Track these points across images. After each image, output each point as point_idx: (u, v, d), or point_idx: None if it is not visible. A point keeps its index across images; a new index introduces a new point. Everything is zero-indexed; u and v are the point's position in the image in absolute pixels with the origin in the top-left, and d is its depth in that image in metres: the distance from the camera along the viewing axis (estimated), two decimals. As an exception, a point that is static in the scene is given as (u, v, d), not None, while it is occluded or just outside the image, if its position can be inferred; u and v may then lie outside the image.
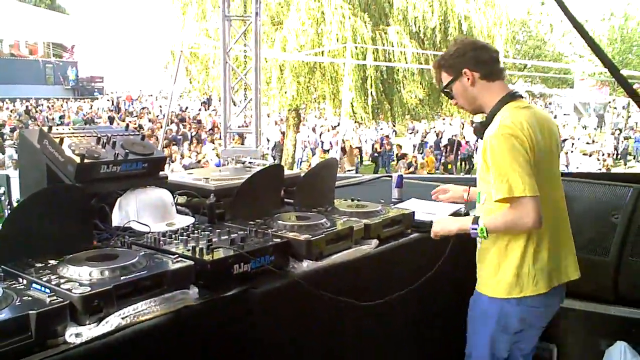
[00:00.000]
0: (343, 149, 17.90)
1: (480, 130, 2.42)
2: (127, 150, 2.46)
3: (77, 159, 2.28)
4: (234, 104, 5.86)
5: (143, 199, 2.44)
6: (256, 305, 2.08)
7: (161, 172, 2.62)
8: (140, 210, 2.42)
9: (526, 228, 2.27)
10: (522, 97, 2.47)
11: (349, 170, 16.78)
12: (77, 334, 1.61)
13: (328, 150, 20.60)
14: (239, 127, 6.19)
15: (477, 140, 2.51)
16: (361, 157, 20.99)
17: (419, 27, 15.71)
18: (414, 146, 24.08)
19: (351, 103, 14.97)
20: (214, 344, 1.94)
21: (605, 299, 3.07)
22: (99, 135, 2.49)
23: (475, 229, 2.33)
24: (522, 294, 2.35)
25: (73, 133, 2.47)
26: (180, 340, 1.84)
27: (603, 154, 20.69)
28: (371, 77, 15.13)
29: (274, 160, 19.68)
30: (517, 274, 2.36)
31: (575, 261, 2.51)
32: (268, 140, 21.88)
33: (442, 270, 2.53)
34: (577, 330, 3.11)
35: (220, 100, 5.90)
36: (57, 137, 2.36)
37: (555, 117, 35.17)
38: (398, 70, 15.71)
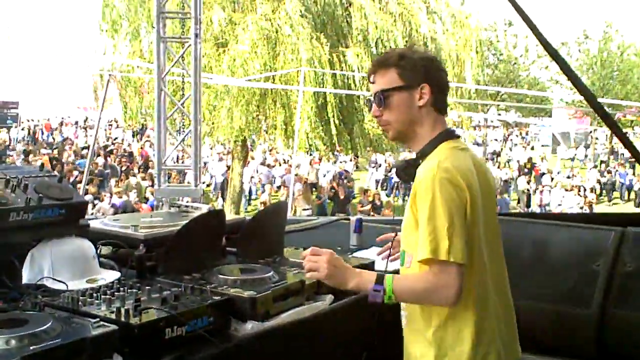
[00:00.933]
0: (304, 185, 17.95)
1: (407, 170, 2.26)
2: (41, 195, 2.42)
3: (-19, 206, 2.23)
4: (170, 136, 5.82)
5: (59, 252, 2.40)
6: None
7: (81, 220, 2.58)
8: (56, 265, 2.38)
9: (444, 302, 2.04)
10: (460, 137, 2.28)
11: (304, 209, 16.77)
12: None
13: (280, 187, 20.63)
14: (175, 162, 6.15)
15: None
16: (319, 195, 21.05)
17: (381, 49, 15.97)
18: (377, 182, 24.31)
19: (307, 133, 15.03)
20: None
21: (588, 356, 3.11)
22: (8, 177, 2.44)
23: (379, 291, 2.03)
24: None
25: (-22, 175, 2.42)
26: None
27: (585, 189, 21.26)
28: (330, 104, 15.27)
29: (219, 199, 19.59)
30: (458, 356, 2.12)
31: (516, 335, 2.31)
32: (212, 176, 21.81)
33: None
34: None
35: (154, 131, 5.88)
36: (-42, 180, 2.31)
37: (532, 148, 36.20)
38: (358, 97, 15.91)
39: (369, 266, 2.91)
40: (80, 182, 14.22)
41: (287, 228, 3.80)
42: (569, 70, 3.85)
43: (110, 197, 14.75)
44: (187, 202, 3.64)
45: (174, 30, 7.91)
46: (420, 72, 2.17)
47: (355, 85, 15.63)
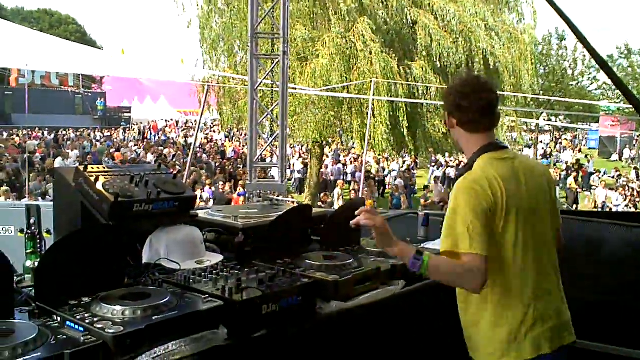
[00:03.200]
0: (367, 180, 17.90)
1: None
2: (159, 189, 2.51)
3: (112, 198, 2.33)
4: (260, 138, 5.92)
5: (173, 237, 2.48)
6: (285, 346, 2.09)
7: (191, 211, 2.67)
8: (170, 248, 2.46)
9: (468, 287, 2.11)
10: (504, 148, 2.29)
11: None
12: (110, 374, 1.64)
13: (350, 182, 20.66)
14: (262, 160, 6.27)
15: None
16: (384, 190, 20.94)
17: (444, 62, 15.77)
18: (436, 178, 23.99)
19: (381, 135, 15.02)
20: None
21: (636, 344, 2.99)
22: (132, 175, 2.55)
23: (418, 260, 2.08)
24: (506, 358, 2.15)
25: (107, 172, 2.53)
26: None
27: (631, 189, 20.33)
28: (401, 110, 15.20)
29: (298, 191, 19.79)
30: (501, 340, 2.16)
31: (570, 325, 2.27)
32: (292, 172, 22.05)
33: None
34: None
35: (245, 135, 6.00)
36: (92, 176, 2.43)
37: (580, 150, 34.93)
38: (422, 105, 15.77)
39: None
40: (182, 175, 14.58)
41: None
42: (618, 80, 3.69)
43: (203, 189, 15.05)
44: (277, 196, 3.70)
45: (265, 48, 8.01)
46: (447, 104, 2.36)
47: (420, 95, 15.48)
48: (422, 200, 17.32)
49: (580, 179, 23.51)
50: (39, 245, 2.65)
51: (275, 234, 2.62)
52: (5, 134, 29.01)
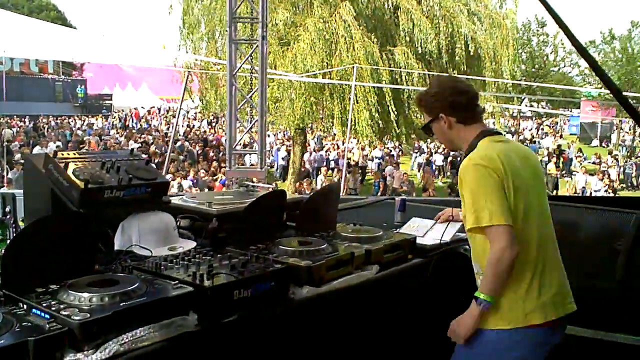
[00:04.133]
0: (349, 167, 17.91)
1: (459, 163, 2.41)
2: (130, 175, 2.48)
3: (82, 185, 2.30)
4: (240, 124, 5.88)
5: (145, 223, 2.46)
6: (256, 331, 2.08)
7: (164, 197, 2.64)
8: (143, 235, 2.44)
9: (511, 258, 2.19)
10: (499, 133, 2.47)
11: (351, 189, 16.72)
12: (75, 361, 1.62)
13: (333, 169, 20.66)
14: (243, 146, 6.24)
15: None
16: (364, 177, 20.95)
17: (425, 48, 15.78)
18: (419, 165, 24.08)
19: (362, 121, 15.01)
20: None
21: (609, 326, 3.03)
22: (103, 160, 2.51)
23: (483, 303, 2.23)
24: (510, 325, 2.26)
25: (78, 158, 2.49)
26: (179, 367, 1.84)
27: (609, 175, 20.56)
28: (382, 97, 15.20)
29: (282, 179, 19.76)
30: (507, 306, 2.27)
31: (570, 294, 2.41)
32: (275, 159, 21.98)
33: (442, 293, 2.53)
34: (583, 359, 3.06)
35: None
36: (62, 162, 2.39)
37: (561, 136, 35.20)
38: (404, 90, 15.77)
39: (413, 242, 2.91)
40: (163, 163, 14.50)
41: (340, 206, 3.83)
42: (595, 65, 3.70)
43: (186, 177, 14.98)
44: (254, 182, 3.68)
45: (244, 32, 7.95)
46: (435, 107, 2.47)
47: (402, 81, 15.49)
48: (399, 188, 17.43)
49: (561, 165, 23.73)
50: (11, 233, 2.62)
51: (249, 219, 2.60)
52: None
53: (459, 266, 2.63)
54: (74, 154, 2.52)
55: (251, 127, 5.64)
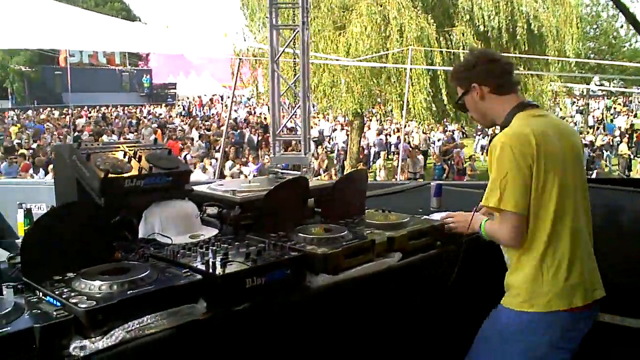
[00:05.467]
0: (407, 151, 17.68)
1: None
2: (151, 165, 2.52)
3: (102, 174, 2.36)
4: (285, 111, 5.89)
5: (166, 212, 2.50)
6: (267, 319, 2.09)
7: (186, 185, 2.68)
8: (164, 223, 2.49)
9: (505, 243, 2.33)
10: (536, 106, 2.39)
11: (410, 173, 16.50)
12: (82, 347, 1.66)
13: (393, 153, 20.46)
14: (288, 132, 6.26)
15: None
16: (425, 160, 20.66)
17: (485, 27, 15.33)
18: (482, 147, 23.53)
19: (419, 104, 14.79)
20: (220, 358, 1.95)
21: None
22: (125, 150, 2.57)
23: (480, 228, 2.45)
24: (534, 309, 2.23)
25: (101, 149, 2.56)
26: (185, 354, 1.87)
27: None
28: (439, 78, 14.91)
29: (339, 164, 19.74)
30: (531, 290, 2.25)
31: (600, 281, 2.35)
32: (335, 144, 21.96)
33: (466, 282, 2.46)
34: (624, 348, 2.92)
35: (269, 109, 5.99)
36: (85, 153, 2.46)
37: (635, 115, 33.59)
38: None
39: (442, 228, 2.84)
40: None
41: (379, 192, 3.79)
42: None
43: (247, 164, 15.19)
44: (283, 170, 3.67)
45: (286, 20, 7.94)
46: (466, 76, 2.43)
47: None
48: (468, 170, 17.10)
49: (633, 146, 22.68)
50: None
51: (269, 207, 2.60)
52: (56, 113, 29.89)
53: (489, 255, 2.55)
54: (98, 144, 2.59)
55: (294, 113, 5.63)
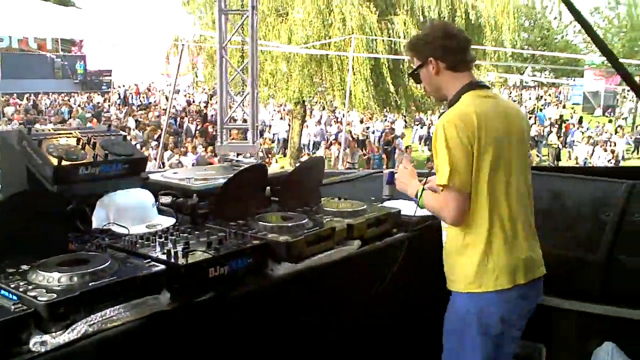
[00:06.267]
0: (347, 142, 17.80)
1: None
2: (107, 152, 2.44)
3: (55, 161, 2.26)
4: (231, 98, 5.81)
5: (122, 201, 2.43)
6: (232, 309, 2.06)
7: (142, 173, 2.60)
8: (120, 212, 2.40)
9: (447, 220, 2.33)
10: (486, 87, 2.42)
11: (349, 163, 16.64)
12: (42, 342, 1.59)
13: (333, 144, 20.54)
14: (241, 121, 6.19)
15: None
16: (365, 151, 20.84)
17: (426, 16, 15.57)
18: (420, 138, 23.96)
19: (362, 93, 14.88)
20: (186, 350, 1.92)
21: (594, 298, 3.01)
22: (79, 136, 2.47)
23: (416, 196, 2.45)
24: (482, 289, 2.28)
25: (53, 134, 2.45)
26: (151, 347, 1.82)
27: (613, 144, 20.40)
28: (381, 67, 15.04)
29: (282, 153, 19.69)
30: (476, 271, 2.29)
31: (540, 257, 2.42)
32: (275, 134, 21.86)
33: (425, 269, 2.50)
34: (565, 330, 3.05)
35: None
36: (36, 139, 2.35)
37: (564, 106, 34.90)
38: (404, 61, 15.60)
39: (398, 215, 2.88)
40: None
41: (330, 180, 3.79)
42: (592, 33, 3.62)
43: (185, 153, 14.95)
44: (238, 157, 3.63)
45: (236, 3, 7.83)
46: (425, 51, 2.41)
47: (401, 50, 15.30)
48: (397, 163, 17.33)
49: (562, 135, 23.58)
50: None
51: (228, 195, 2.56)
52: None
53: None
54: (49, 129, 2.48)
55: (242, 101, 5.57)
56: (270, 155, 17.17)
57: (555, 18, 32.87)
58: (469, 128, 2.21)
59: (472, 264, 2.29)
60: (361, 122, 23.33)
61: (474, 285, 2.29)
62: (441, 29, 2.44)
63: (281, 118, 23.32)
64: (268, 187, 2.97)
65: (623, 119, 30.32)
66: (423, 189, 2.43)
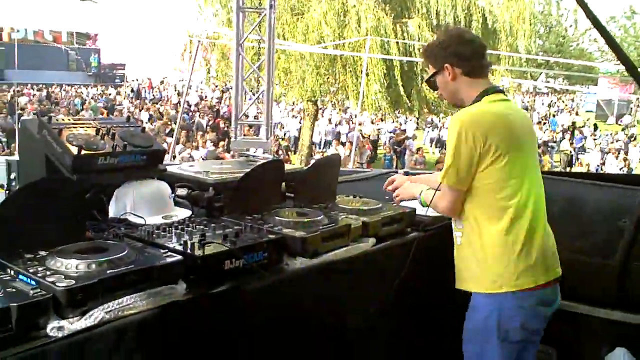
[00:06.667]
0: (359, 142, 17.79)
1: None
2: (125, 142, 2.45)
3: (75, 150, 2.28)
4: (246, 95, 5.81)
5: (140, 191, 2.44)
6: (246, 301, 2.06)
7: (160, 165, 2.61)
8: (137, 203, 2.42)
9: (440, 211, 2.42)
10: (502, 92, 2.42)
11: (359, 163, 16.63)
12: (59, 328, 1.60)
13: (344, 143, 20.54)
14: (252, 118, 6.19)
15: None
16: (376, 151, 20.83)
17: (441, 20, 15.51)
18: (432, 140, 23.90)
19: (375, 94, 14.87)
20: (200, 340, 1.92)
21: (609, 304, 2.99)
22: (98, 127, 2.48)
23: (418, 198, 2.53)
24: (503, 289, 2.27)
25: (73, 124, 2.46)
26: (165, 336, 1.83)
27: (625, 152, 20.28)
28: (396, 67, 15.01)
29: (292, 152, 19.68)
30: (497, 270, 2.28)
31: (557, 258, 2.42)
32: (287, 132, 21.88)
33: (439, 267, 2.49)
34: (578, 334, 3.03)
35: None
36: (56, 128, 2.36)
37: (577, 113, 34.71)
38: (417, 63, 15.56)
39: (413, 215, 2.88)
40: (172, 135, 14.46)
41: (344, 178, 3.78)
42: (612, 41, 3.59)
43: (197, 147, 14.97)
44: (254, 153, 3.64)
45: (252, 1, 7.83)
46: (439, 57, 2.41)
47: (415, 53, 15.26)
48: (411, 163, 17.29)
49: (574, 142, 23.45)
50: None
51: (245, 189, 2.57)
52: (-3, 90, 28.68)
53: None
54: (69, 119, 2.49)
55: (257, 98, 5.58)
56: (289, 153, 17.20)
57: (571, 26, 32.82)
58: (482, 127, 2.22)
59: (494, 263, 2.28)
60: (372, 122, 23.30)
61: (496, 284, 2.28)
62: (456, 35, 2.45)
63: (293, 116, 23.35)
64: (283, 183, 2.98)
65: (632, 126, 30.13)
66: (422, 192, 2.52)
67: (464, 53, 2.37)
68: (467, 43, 2.40)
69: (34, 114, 20.47)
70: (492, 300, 2.30)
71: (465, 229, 2.36)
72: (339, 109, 25.08)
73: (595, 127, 26.44)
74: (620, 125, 31.13)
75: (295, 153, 18.86)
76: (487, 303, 2.32)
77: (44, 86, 30.96)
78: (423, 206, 2.49)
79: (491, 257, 2.29)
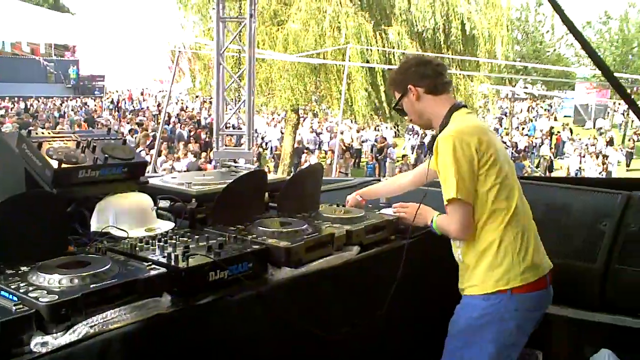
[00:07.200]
0: (342, 150, 17.84)
1: (433, 143, 2.45)
2: (106, 155, 2.43)
3: (55, 164, 2.26)
4: (228, 105, 5.81)
5: (121, 204, 2.42)
6: (231, 312, 2.05)
7: (141, 177, 2.60)
8: (119, 216, 2.40)
9: (450, 234, 2.44)
10: (465, 107, 2.52)
11: (341, 172, 16.66)
12: (43, 343, 1.59)
13: (326, 152, 20.59)
14: (233, 127, 6.17)
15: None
16: (359, 160, 20.90)
17: (421, 27, 15.64)
18: (412, 147, 24.03)
19: (355, 102, 14.92)
20: (186, 352, 1.91)
21: (592, 306, 3.04)
22: (78, 140, 2.46)
23: (431, 224, 2.53)
24: (508, 286, 2.33)
25: (53, 137, 2.44)
26: (150, 349, 1.81)
27: (604, 156, 20.54)
28: (376, 77, 15.09)
29: (273, 161, 19.67)
30: (494, 273, 2.36)
31: (549, 262, 2.50)
32: (268, 141, 21.86)
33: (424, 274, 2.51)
34: (562, 337, 3.08)
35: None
36: (36, 142, 2.34)
37: (555, 118, 35.12)
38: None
39: (396, 223, 2.89)
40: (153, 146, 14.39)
41: (328, 187, 3.79)
42: (588, 46, 3.65)
43: (179, 159, 14.92)
44: (236, 163, 3.62)
45: (234, 11, 7.84)
46: (403, 81, 2.54)
47: (396, 60, 15.35)
48: (397, 171, 17.37)
49: (553, 147, 23.73)
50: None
51: (228, 200, 2.56)
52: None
53: (442, 247, 2.61)
54: (49, 132, 2.47)
55: (238, 108, 5.58)
56: (280, 161, 17.12)
57: (548, 31, 33.20)
58: (473, 136, 2.31)
59: (495, 266, 2.35)
60: (358, 131, 23.37)
61: (499, 284, 2.34)
62: (414, 58, 2.66)
63: (274, 126, 23.34)
64: (266, 193, 2.98)
65: (607, 130, 30.55)
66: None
67: (424, 72, 2.49)
68: (425, 63, 2.54)
69: (19, 128, 20.28)
70: (490, 302, 2.35)
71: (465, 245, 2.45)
72: (320, 117, 25.12)
73: (571, 131, 26.75)
74: (597, 129, 31.57)
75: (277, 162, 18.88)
76: (484, 304, 2.37)
77: (21, 99, 30.62)
78: (439, 234, 2.52)
79: (492, 259, 2.35)
